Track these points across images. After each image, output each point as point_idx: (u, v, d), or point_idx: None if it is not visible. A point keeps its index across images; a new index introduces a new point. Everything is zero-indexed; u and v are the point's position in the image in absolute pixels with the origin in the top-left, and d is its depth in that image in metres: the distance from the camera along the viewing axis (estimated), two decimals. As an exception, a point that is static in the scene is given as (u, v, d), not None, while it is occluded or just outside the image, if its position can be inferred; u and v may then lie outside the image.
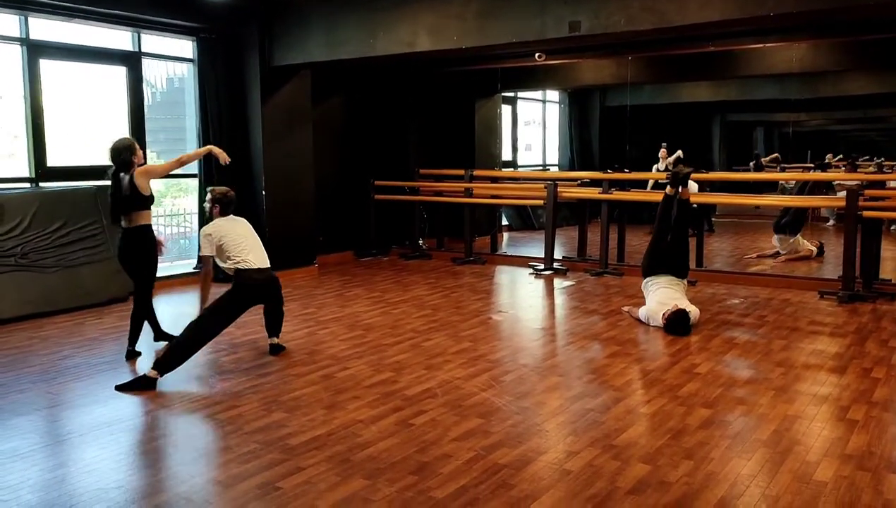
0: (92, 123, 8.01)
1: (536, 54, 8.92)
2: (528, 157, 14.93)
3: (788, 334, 5.91)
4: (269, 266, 5.22)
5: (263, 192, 8.37)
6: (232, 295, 5.02)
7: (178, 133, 8.79)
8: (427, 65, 10.33)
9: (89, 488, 3.30)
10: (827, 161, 9.74)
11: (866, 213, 7.07)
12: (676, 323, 5.83)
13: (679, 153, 11.23)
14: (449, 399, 4.42)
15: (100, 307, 6.98)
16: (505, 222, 13.29)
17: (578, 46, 8.40)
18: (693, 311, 6.06)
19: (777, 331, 6.00)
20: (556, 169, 15.05)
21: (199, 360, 5.41)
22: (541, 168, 14.91)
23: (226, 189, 5.39)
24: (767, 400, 4.36)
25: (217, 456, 3.69)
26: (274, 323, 5.50)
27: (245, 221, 5.37)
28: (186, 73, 8.61)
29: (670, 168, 10.67)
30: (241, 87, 8.39)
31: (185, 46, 8.37)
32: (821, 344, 5.63)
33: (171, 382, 4.93)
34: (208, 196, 5.35)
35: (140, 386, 4.67)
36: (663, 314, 5.94)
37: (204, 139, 8.16)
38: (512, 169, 13.79)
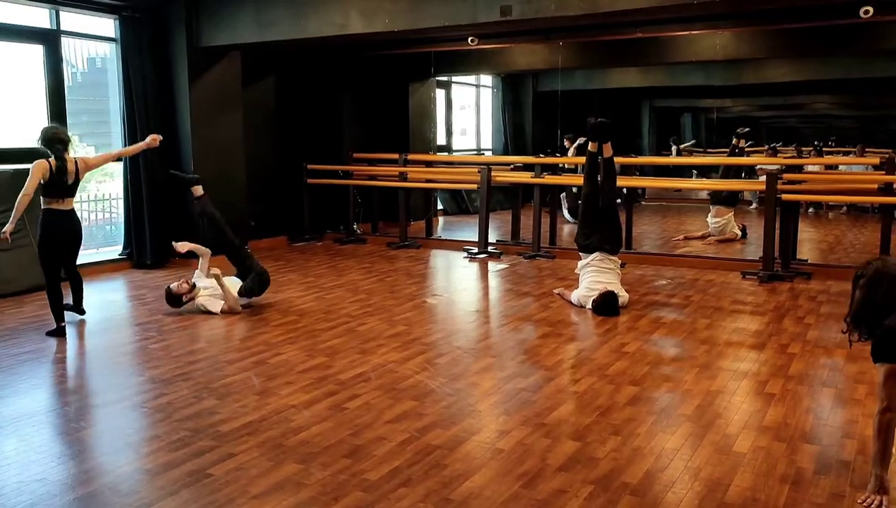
0: (8, 105, 7.66)
1: (469, 38, 8.94)
2: (463, 142, 14.99)
3: (712, 313, 6.12)
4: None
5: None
6: None
7: (101, 115, 8.49)
8: (360, 48, 10.23)
9: (9, 481, 3.19)
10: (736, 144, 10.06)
11: (785, 197, 7.35)
12: (604, 304, 5.97)
13: (581, 139, 11.34)
14: (383, 382, 4.43)
15: (19, 295, 6.71)
16: (440, 206, 13.32)
17: (510, 31, 8.45)
18: (623, 295, 6.21)
19: (701, 311, 6.20)
20: (490, 153, 15.15)
21: (125, 349, 5.31)
22: (475, 152, 14.99)
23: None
24: (692, 377, 4.51)
25: (145, 445, 3.61)
26: None
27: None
28: (109, 53, 8.31)
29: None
30: (167, 68, 8.15)
31: (107, 25, 8.07)
32: (742, 322, 5.85)
33: (96, 371, 4.81)
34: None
35: None
36: (593, 300, 6.07)
37: (129, 121, 7.91)
38: (446, 153, 13.82)
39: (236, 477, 3.22)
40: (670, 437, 3.62)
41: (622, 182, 8.72)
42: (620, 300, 6.12)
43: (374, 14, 7.02)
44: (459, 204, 13.59)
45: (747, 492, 3.06)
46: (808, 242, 9.88)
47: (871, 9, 6.96)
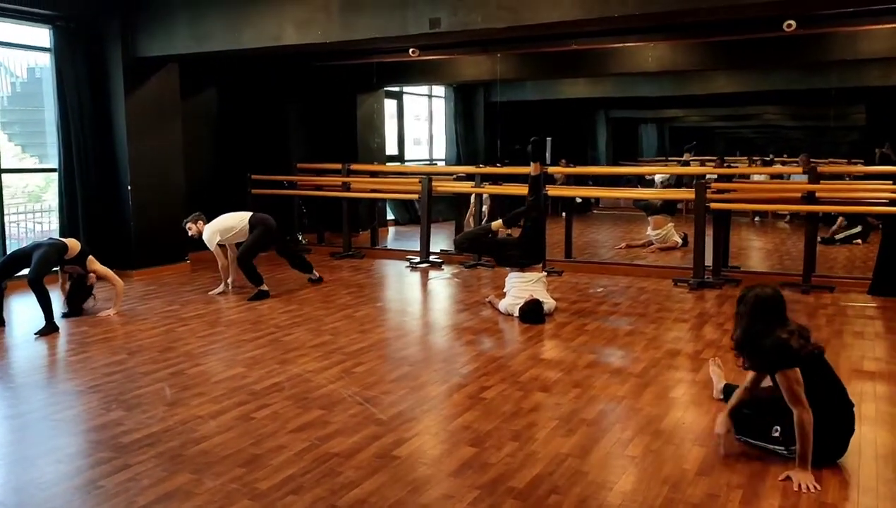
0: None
1: (410, 49, 9.02)
2: (417, 151, 15.06)
3: (636, 320, 6.23)
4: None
5: (129, 187, 8.12)
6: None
7: (36, 125, 8.40)
8: (305, 58, 10.26)
9: None
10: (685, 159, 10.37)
11: (713, 205, 7.52)
12: (529, 312, 6.05)
13: None
14: (295, 392, 4.44)
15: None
16: (391, 216, 13.36)
17: (447, 43, 8.53)
18: (548, 303, 6.30)
19: (626, 318, 6.31)
20: (443, 163, 15.23)
21: (43, 361, 5.27)
22: (427, 162, 15.06)
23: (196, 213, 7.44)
24: (601, 383, 4.60)
25: (41, 458, 3.57)
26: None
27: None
28: (48, 63, 8.23)
29: None
30: (103, 79, 8.09)
31: (42, 35, 8.01)
32: (663, 328, 5.96)
33: (7, 385, 4.76)
34: (190, 224, 7.31)
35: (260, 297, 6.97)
36: (519, 308, 6.15)
37: (64, 132, 7.85)
38: (399, 163, 13.87)
39: (126, 488, 3.22)
40: (566, 442, 3.69)
41: (566, 191, 8.91)
42: (546, 307, 6.21)
43: (308, 26, 7.05)
44: (411, 214, 13.63)
45: (627, 494, 3.14)
46: (748, 250, 10.10)
47: (793, 23, 7.18)
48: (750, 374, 3.57)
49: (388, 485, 3.24)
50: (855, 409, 3.49)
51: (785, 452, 3.39)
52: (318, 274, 7.80)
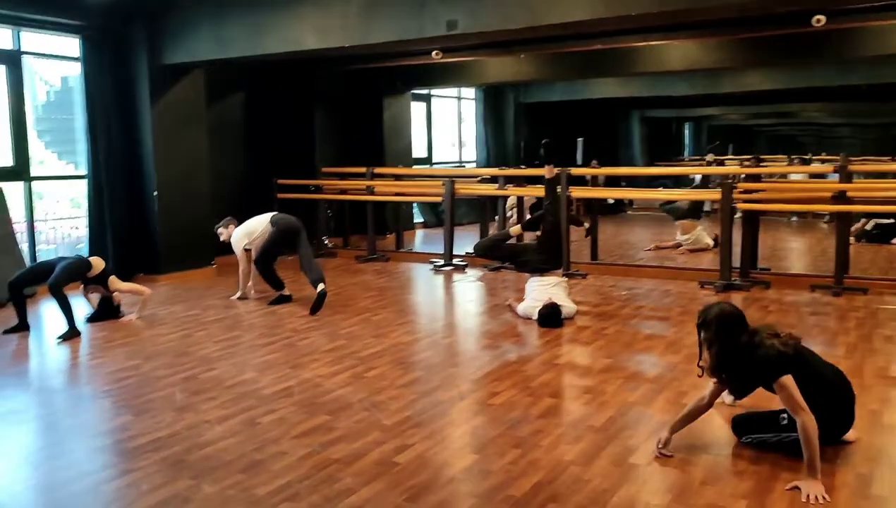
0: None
1: (434, 52, 8.98)
2: (448, 154, 15.02)
3: (657, 323, 6.11)
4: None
5: (155, 193, 8.23)
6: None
7: (68, 133, 8.57)
8: (329, 62, 10.28)
9: None
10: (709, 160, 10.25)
11: (739, 205, 7.34)
12: (548, 316, 5.96)
13: None
14: (304, 397, 4.43)
15: None
16: (419, 219, 13.35)
17: (468, 45, 8.46)
18: (568, 307, 6.20)
19: (647, 321, 6.19)
20: (473, 165, 15.17)
21: (61, 367, 5.35)
22: (457, 164, 15.02)
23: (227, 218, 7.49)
24: (614, 388, 4.50)
25: (47, 462, 3.63)
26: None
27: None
28: (79, 72, 8.40)
29: None
30: (129, 86, 8.22)
31: (72, 44, 8.17)
32: (684, 332, 5.79)
33: (22, 389, 4.84)
34: (221, 229, 7.44)
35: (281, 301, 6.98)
36: (538, 310, 6.07)
37: (92, 139, 8.01)
38: (428, 166, 13.86)
39: (125, 494, 3.24)
40: (570, 449, 3.61)
41: (594, 193, 8.79)
42: (565, 311, 6.10)
43: (327, 31, 7.07)
44: (438, 216, 13.58)
45: (628, 503, 3.05)
46: (781, 250, 9.85)
47: (823, 17, 6.95)
48: (706, 391, 3.57)
49: (385, 492, 3.21)
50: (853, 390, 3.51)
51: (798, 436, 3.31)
52: (322, 288, 6.60)
